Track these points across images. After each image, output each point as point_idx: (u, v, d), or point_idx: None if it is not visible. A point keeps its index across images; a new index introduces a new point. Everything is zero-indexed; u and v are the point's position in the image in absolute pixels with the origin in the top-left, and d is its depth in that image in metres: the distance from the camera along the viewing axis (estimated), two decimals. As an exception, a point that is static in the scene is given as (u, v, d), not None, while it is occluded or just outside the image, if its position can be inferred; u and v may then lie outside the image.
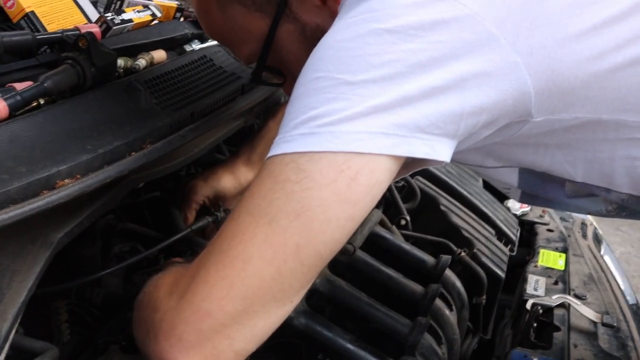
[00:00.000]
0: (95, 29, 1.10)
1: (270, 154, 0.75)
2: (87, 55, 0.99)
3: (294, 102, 0.76)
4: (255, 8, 0.92)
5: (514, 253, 1.55)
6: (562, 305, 1.32)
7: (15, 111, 0.90)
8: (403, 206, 1.44)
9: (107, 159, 0.90)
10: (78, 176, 0.86)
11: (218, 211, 1.23)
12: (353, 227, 0.76)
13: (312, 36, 0.91)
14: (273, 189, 0.73)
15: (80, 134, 0.91)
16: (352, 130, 0.71)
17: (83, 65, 0.99)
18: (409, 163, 0.78)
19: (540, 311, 1.27)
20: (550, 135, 0.83)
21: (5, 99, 0.88)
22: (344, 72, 0.73)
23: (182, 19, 1.35)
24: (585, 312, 1.31)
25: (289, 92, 0.97)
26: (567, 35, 0.75)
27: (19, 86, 0.93)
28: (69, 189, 0.83)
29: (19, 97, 0.91)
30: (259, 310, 0.74)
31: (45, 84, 0.94)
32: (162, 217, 1.27)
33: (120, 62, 1.08)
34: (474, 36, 0.73)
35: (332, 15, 0.89)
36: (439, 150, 0.74)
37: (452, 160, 0.79)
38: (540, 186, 0.95)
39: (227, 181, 1.28)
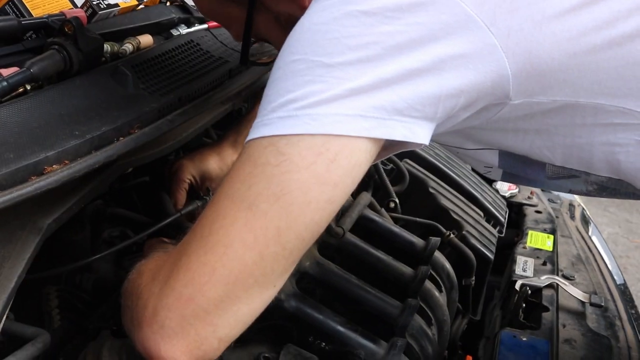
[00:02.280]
0: (81, 14, 1.09)
1: (249, 137, 0.74)
2: (73, 40, 0.98)
3: (272, 85, 0.75)
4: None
5: (503, 235, 1.55)
6: (550, 286, 1.33)
7: (1, 97, 0.89)
8: (392, 189, 1.45)
9: (95, 144, 0.90)
10: (66, 162, 0.86)
11: (207, 195, 1.23)
12: (334, 209, 0.75)
13: (287, 23, 0.91)
14: (252, 172, 0.72)
15: (68, 119, 0.91)
16: (330, 113, 0.70)
17: (69, 51, 0.98)
18: (388, 145, 0.77)
19: (529, 292, 1.28)
20: (528, 119, 0.82)
21: (-8, 85, 0.88)
22: (320, 54, 0.72)
23: (168, 3, 1.34)
24: (574, 292, 1.32)
25: None
26: (544, 17, 0.74)
27: (5, 72, 0.92)
28: (57, 174, 0.83)
29: (5, 83, 0.90)
30: (241, 296, 0.74)
31: (32, 70, 0.93)
32: (151, 202, 1.27)
33: (107, 47, 1.07)
34: (452, 18, 0.72)
35: (302, 7, 0.89)
36: (417, 133, 0.74)
37: (432, 141, 0.79)
38: (520, 167, 0.95)
39: (214, 162, 1.28)
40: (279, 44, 0.93)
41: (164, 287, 0.75)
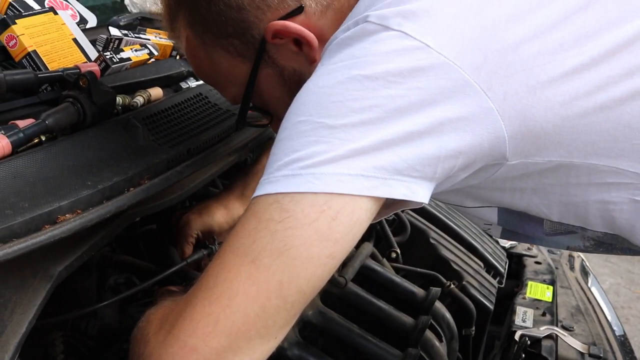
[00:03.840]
0: (95, 68, 1.13)
1: (255, 194, 0.77)
2: (87, 93, 1.02)
3: (278, 145, 0.78)
4: (237, 53, 0.95)
5: (503, 285, 1.57)
6: (549, 337, 1.34)
7: (17, 148, 0.93)
8: (393, 239, 1.47)
9: (107, 195, 0.93)
10: (79, 211, 0.89)
11: (213, 244, 1.25)
12: (334, 264, 0.77)
13: (291, 79, 0.95)
14: (257, 228, 0.75)
15: (81, 170, 0.94)
16: (332, 172, 0.73)
17: (83, 103, 1.02)
18: (389, 204, 0.80)
19: (529, 342, 1.29)
20: (525, 178, 0.85)
21: (8, 136, 0.92)
22: (324, 116, 0.75)
23: (177, 57, 1.39)
24: (573, 343, 1.34)
25: (276, 130, 1.01)
26: (539, 82, 0.77)
27: (22, 123, 0.97)
28: (70, 223, 0.86)
29: (21, 134, 0.94)
30: (243, 347, 0.75)
31: (47, 122, 0.98)
32: (157, 250, 1.29)
33: (119, 99, 1.11)
34: (451, 83, 0.75)
35: (309, 60, 0.93)
36: (417, 192, 0.76)
37: (432, 199, 0.82)
38: (519, 224, 0.98)
39: (220, 216, 1.31)
40: (277, 104, 0.97)
41: (168, 336, 0.76)
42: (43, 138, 0.98)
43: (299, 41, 0.92)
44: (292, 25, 0.90)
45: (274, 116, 1.01)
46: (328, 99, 0.76)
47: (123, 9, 1.63)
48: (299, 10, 0.91)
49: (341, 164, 0.73)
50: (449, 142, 0.75)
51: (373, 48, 0.76)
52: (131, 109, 1.14)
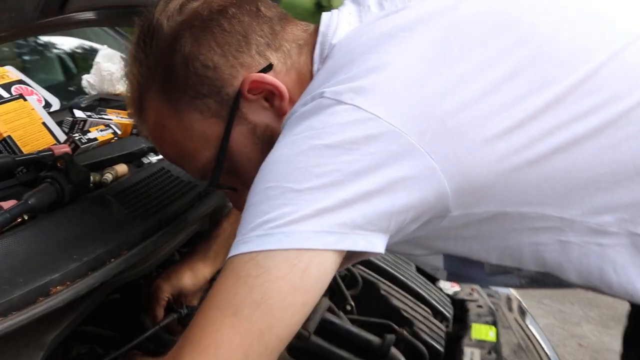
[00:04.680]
0: (66, 149, 1.22)
1: (231, 254, 0.85)
2: (65, 173, 1.10)
3: (249, 209, 0.86)
4: (211, 114, 1.01)
5: (450, 329, 1.69)
6: (496, 373, 1.46)
7: (3, 227, 1.00)
8: (347, 293, 1.57)
9: (92, 266, 1.01)
10: (68, 283, 0.96)
11: (181, 308, 1.33)
12: (307, 311, 0.85)
13: (262, 135, 1.02)
14: (236, 284, 0.82)
15: (65, 244, 1.02)
16: (300, 230, 0.81)
17: (61, 183, 1.10)
18: (350, 255, 0.88)
19: (479, 380, 1.41)
20: (466, 227, 0.95)
21: (-4, 217, 0.99)
22: (291, 181, 0.83)
23: (137, 135, 1.48)
24: (518, 377, 1.46)
25: (242, 201, 1.10)
26: (474, 144, 0.86)
27: (5, 205, 1.04)
28: (62, 295, 0.93)
29: (7, 215, 1.01)
30: None
31: (29, 201, 1.05)
32: (121, 318, 1.34)
33: (91, 177, 1.19)
34: (399, 147, 0.83)
35: (278, 114, 1.01)
36: (375, 244, 0.85)
37: (386, 251, 0.92)
38: (462, 268, 1.07)
39: (188, 278, 1.38)
40: (248, 164, 1.05)
41: None
42: (26, 217, 1.05)
43: (270, 97, 1.01)
44: (268, 77, 0.99)
45: (243, 181, 1.06)
46: (293, 166, 0.84)
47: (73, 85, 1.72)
48: (269, 67, 1.00)
49: (308, 222, 0.81)
50: (400, 199, 0.85)
51: (330, 120, 0.85)
52: (102, 185, 1.22)
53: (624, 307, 3.97)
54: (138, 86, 1.05)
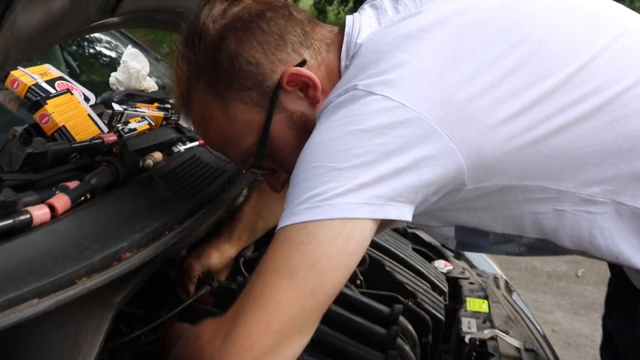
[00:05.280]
0: (113, 137, 1.36)
1: (282, 224, 0.99)
2: (120, 158, 1.25)
3: (296, 186, 1.00)
4: (254, 104, 1.15)
5: (447, 302, 1.85)
6: (492, 338, 1.62)
7: (73, 203, 1.14)
8: (357, 269, 1.73)
9: (151, 237, 1.14)
10: (135, 250, 1.10)
11: (213, 281, 1.47)
12: (350, 272, 1.01)
13: (298, 121, 1.16)
14: (290, 249, 0.97)
15: (127, 219, 1.16)
16: (344, 202, 0.96)
17: (117, 166, 1.24)
18: (384, 222, 1.04)
19: (477, 343, 1.57)
20: (477, 199, 1.10)
21: (68, 194, 1.13)
22: (333, 161, 0.98)
23: (167, 126, 1.62)
24: (511, 341, 1.62)
25: (278, 183, 1.24)
26: (486, 127, 1.02)
27: (71, 185, 1.18)
28: (132, 260, 1.07)
29: (75, 193, 1.15)
30: (287, 342, 0.97)
31: (92, 182, 1.19)
32: (145, 296, 1.45)
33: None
34: (423, 131, 0.98)
35: (312, 103, 1.16)
36: (404, 213, 1.01)
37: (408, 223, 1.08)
38: (470, 237, 1.24)
39: (215, 257, 1.52)
40: (285, 147, 1.17)
41: (227, 341, 0.97)
42: (88, 196, 1.19)
43: (304, 88, 1.15)
44: (304, 70, 1.14)
45: (280, 163, 1.21)
46: (334, 149, 0.99)
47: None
48: (303, 62, 1.15)
49: (350, 195, 0.96)
50: (425, 174, 1.00)
51: (363, 108, 1.00)
52: (146, 169, 1.36)
53: (594, 296, 4.25)
54: (187, 81, 1.18)
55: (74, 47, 2.93)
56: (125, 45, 2.56)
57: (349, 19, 1.22)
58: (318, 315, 1.00)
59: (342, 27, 1.23)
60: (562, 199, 1.09)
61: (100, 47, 2.94)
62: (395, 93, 1.00)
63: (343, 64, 1.17)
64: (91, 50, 3.00)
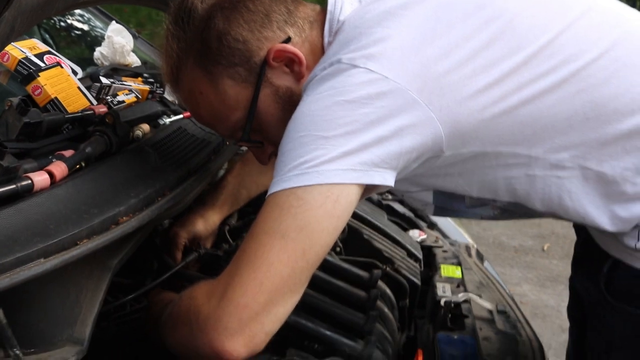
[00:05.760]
0: (104, 109, 1.40)
1: (272, 190, 1.05)
2: (112, 128, 1.29)
3: (285, 154, 1.06)
4: (242, 80, 1.19)
5: (422, 269, 1.94)
6: (466, 301, 1.71)
7: (70, 170, 1.19)
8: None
9: (146, 202, 1.20)
10: (130, 215, 1.15)
11: (199, 248, 1.53)
12: (337, 234, 1.07)
13: (284, 95, 1.21)
14: (281, 213, 1.03)
15: (122, 185, 1.21)
16: (331, 169, 1.02)
17: (110, 136, 1.29)
18: (368, 188, 1.10)
19: (452, 305, 1.66)
20: (454, 165, 1.17)
21: (65, 161, 1.17)
22: (320, 130, 1.03)
23: (152, 99, 1.66)
24: (484, 304, 1.71)
25: (265, 155, 1.30)
26: (462, 97, 1.07)
27: (66, 153, 1.22)
28: (130, 224, 1.13)
29: (72, 160, 1.19)
30: (280, 300, 1.03)
31: (87, 150, 1.24)
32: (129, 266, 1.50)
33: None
34: (404, 101, 1.04)
35: (297, 78, 1.21)
36: (387, 179, 1.07)
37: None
38: (448, 202, 1.30)
39: (200, 225, 1.58)
40: (272, 121, 1.22)
41: (222, 300, 1.03)
42: (83, 164, 1.24)
43: (290, 64, 1.20)
44: (289, 47, 1.18)
45: (267, 136, 1.27)
46: (321, 118, 1.05)
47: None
48: (288, 40, 1.20)
49: (336, 162, 1.02)
50: (406, 142, 1.06)
51: (348, 80, 1.06)
52: (135, 139, 1.41)
53: (559, 269, 4.39)
54: (177, 59, 1.22)
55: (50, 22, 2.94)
56: (103, 23, 2.59)
57: None
58: (308, 274, 1.06)
59: (324, 7, 1.28)
60: (532, 164, 1.16)
61: (72, 21, 2.94)
62: (377, 66, 1.06)
63: (326, 40, 1.23)
64: (62, 24, 3.01)
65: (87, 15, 2.90)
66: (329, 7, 1.24)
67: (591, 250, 1.33)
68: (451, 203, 1.31)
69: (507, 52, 1.10)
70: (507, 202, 1.26)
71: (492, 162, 1.17)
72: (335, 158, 1.02)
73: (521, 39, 1.12)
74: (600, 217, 1.19)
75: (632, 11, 1.25)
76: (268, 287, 1.02)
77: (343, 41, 1.15)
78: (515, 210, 1.29)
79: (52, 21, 2.96)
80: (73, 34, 3.00)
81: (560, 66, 1.11)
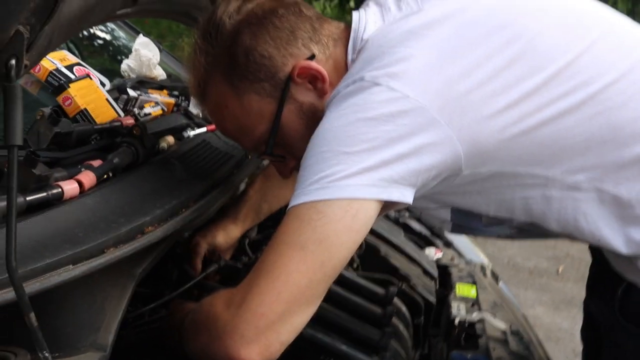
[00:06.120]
0: (131, 121, 1.43)
1: (293, 203, 1.07)
2: (140, 139, 1.33)
3: (307, 169, 1.08)
4: (267, 95, 1.22)
5: (437, 286, 1.95)
6: (480, 320, 1.72)
7: (98, 180, 1.22)
8: (354, 254, 1.82)
9: (171, 213, 1.22)
10: (156, 225, 1.18)
11: (219, 260, 1.56)
12: (355, 248, 1.10)
13: (307, 111, 1.24)
14: (301, 225, 1.05)
15: (148, 196, 1.24)
16: (351, 184, 1.04)
17: (137, 147, 1.32)
18: (387, 204, 1.11)
19: (466, 325, 1.67)
20: (473, 184, 1.18)
21: (94, 171, 1.20)
22: (342, 146, 1.06)
23: (177, 113, 1.70)
24: (498, 324, 1.73)
25: (287, 169, 1.32)
26: (482, 117, 1.08)
27: (95, 163, 1.25)
28: (155, 233, 1.15)
29: (100, 170, 1.22)
30: (296, 310, 1.06)
31: (114, 161, 1.27)
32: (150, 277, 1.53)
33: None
34: (424, 120, 1.06)
35: (320, 94, 1.23)
36: (406, 195, 1.09)
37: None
38: (465, 220, 1.32)
39: (221, 237, 1.60)
40: (295, 136, 1.25)
41: (240, 308, 1.05)
42: (110, 174, 1.27)
43: (313, 81, 1.23)
44: (313, 64, 1.22)
45: (290, 151, 1.29)
46: (343, 134, 1.07)
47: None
48: (312, 57, 1.23)
49: (356, 178, 1.05)
50: (426, 160, 1.08)
51: (370, 98, 1.08)
52: (161, 151, 1.44)
53: (573, 292, 4.37)
54: (204, 73, 1.26)
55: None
56: (129, 36, 2.64)
57: (355, 15, 1.30)
58: (325, 287, 1.09)
59: (347, 24, 1.31)
60: (549, 185, 1.17)
61: (99, 33, 2.99)
62: (399, 85, 1.08)
63: (350, 57, 1.26)
64: (89, 37, 3.06)
65: (110, 25, 2.95)
66: (353, 26, 1.27)
67: (606, 273, 1.34)
68: (468, 221, 1.33)
69: (527, 72, 1.12)
70: (524, 222, 1.27)
71: (510, 182, 1.19)
72: (356, 173, 1.04)
73: (541, 59, 1.13)
74: (615, 239, 1.20)
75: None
76: (285, 297, 1.04)
77: (366, 59, 1.17)
78: (531, 229, 1.30)
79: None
80: (96, 44, 3.04)
81: (579, 88, 1.13)
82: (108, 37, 3.05)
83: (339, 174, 1.05)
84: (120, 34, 2.90)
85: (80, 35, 3.06)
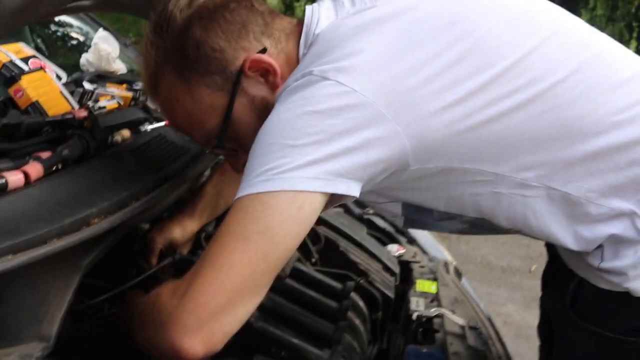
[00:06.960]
0: (84, 114, 1.42)
1: (239, 195, 1.07)
2: (91, 132, 1.32)
3: (254, 161, 1.08)
4: (218, 88, 1.21)
5: (398, 282, 1.96)
6: (438, 316, 1.72)
7: (46, 171, 1.21)
8: (312, 248, 1.83)
9: (119, 205, 1.22)
10: (103, 216, 1.18)
11: (174, 254, 1.55)
12: (300, 240, 1.09)
13: (259, 105, 1.23)
14: (245, 217, 1.05)
15: (96, 188, 1.23)
16: (296, 176, 1.04)
17: (88, 139, 1.31)
18: (332, 199, 1.11)
19: (424, 320, 1.67)
20: (421, 180, 1.18)
21: (42, 162, 1.20)
22: (287, 138, 1.06)
23: (135, 105, 1.69)
24: (456, 319, 1.73)
25: (239, 163, 1.31)
26: (429, 113, 1.08)
27: (43, 155, 1.25)
28: (101, 225, 1.15)
29: (48, 162, 1.22)
30: (240, 301, 1.05)
31: (63, 153, 1.26)
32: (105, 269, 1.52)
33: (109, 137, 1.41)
34: (371, 114, 1.05)
35: (272, 88, 1.23)
36: (352, 189, 1.09)
37: (357, 199, 1.16)
38: (416, 214, 1.32)
39: (177, 232, 1.60)
40: (247, 129, 1.23)
41: (183, 298, 1.05)
42: (59, 166, 1.26)
43: (265, 74, 1.23)
44: (265, 57, 1.21)
45: (242, 145, 1.28)
46: (289, 127, 1.07)
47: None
48: (264, 50, 1.23)
49: (302, 170, 1.04)
50: (372, 154, 1.08)
51: (318, 92, 1.08)
52: (114, 144, 1.44)
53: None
54: (155, 66, 1.25)
55: (45, 30, 2.99)
56: (94, 30, 2.63)
57: (308, 9, 1.30)
58: (269, 277, 1.08)
59: (300, 19, 1.31)
60: (498, 182, 1.18)
61: (69, 30, 2.98)
62: (347, 79, 1.08)
63: (301, 52, 1.25)
64: (59, 34, 3.05)
65: (84, 27, 2.95)
66: (306, 20, 1.27)
67: (559, 269, 1.35)
68: (420, 216, 1.33)
69: (476, 69, 1.12)
70: (474, 218, 1.28)
71: (459, 179, 1.19)
72: (302, 166, 1.04)
73: (489, 57, 1.14)
74: (565, 236, 1.21)
75: (601, 34, 1.29)
76: (228, 288, 1.04)
77: (316, 53, 1.17)
78: (483, 225, 1.30)
79: (47, 30, 3.01)
80: (65, 40, 3.04)
81: (528, 85, 1.13)
82: (81, 37, 3.05)
83: (285, 167, 1.04)
84: (92, 32, 2.89)
85: (49, 32, 3.06)
